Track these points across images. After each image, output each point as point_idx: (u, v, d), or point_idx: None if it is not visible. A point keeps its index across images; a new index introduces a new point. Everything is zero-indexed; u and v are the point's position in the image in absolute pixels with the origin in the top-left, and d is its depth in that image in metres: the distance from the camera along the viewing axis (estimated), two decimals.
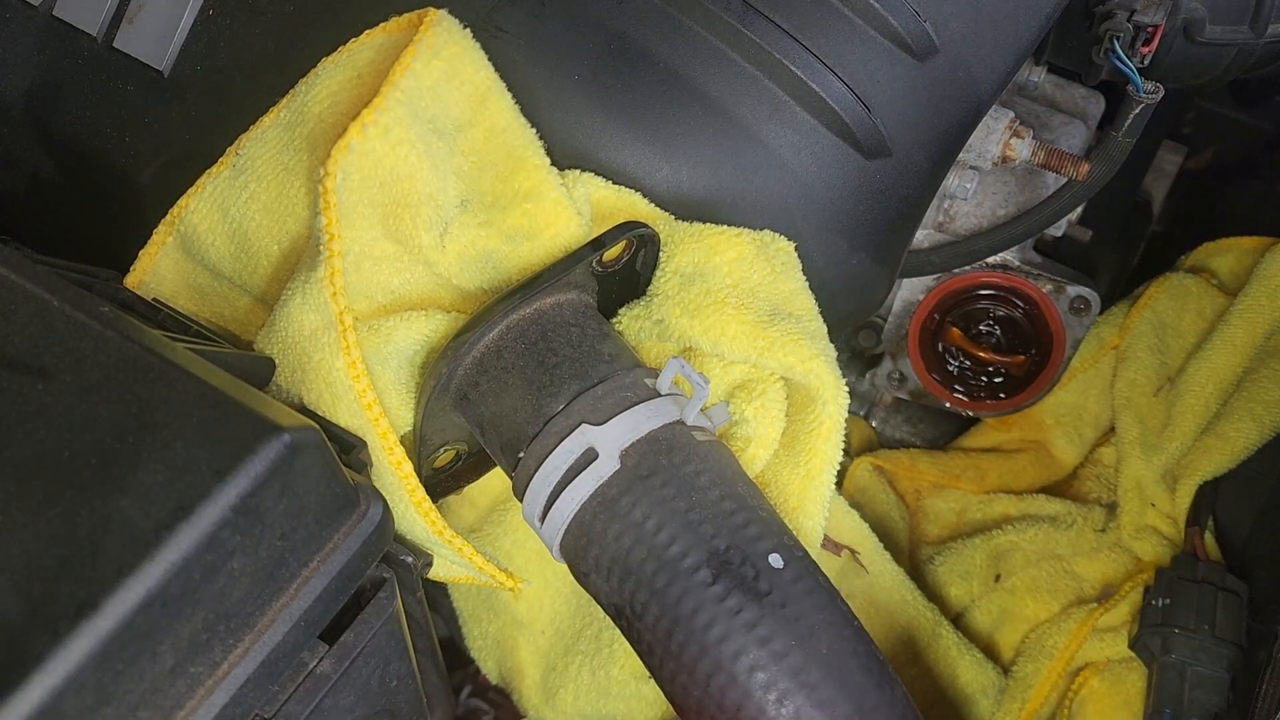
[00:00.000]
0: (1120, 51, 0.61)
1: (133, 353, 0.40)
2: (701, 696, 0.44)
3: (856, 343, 0.86)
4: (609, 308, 0.57)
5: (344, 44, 0.56)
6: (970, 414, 0.86)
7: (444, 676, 0.59)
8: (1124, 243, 0.94)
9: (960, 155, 0.65)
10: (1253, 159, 0.98)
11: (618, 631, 0.49)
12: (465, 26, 0.55)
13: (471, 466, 0.58)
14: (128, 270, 0.58)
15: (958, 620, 0.77)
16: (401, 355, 0.52)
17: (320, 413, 0.50)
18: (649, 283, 0.57)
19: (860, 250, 0.61)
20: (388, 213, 0.52)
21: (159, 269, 0.58)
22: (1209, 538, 0.72)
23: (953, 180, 0.70)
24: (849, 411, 0.55)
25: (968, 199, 0.71)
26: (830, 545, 0.76)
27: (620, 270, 0.55)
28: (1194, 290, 0.81)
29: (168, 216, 0.57)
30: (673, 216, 0.57)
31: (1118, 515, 0.76)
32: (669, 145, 0.56)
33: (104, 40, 0.63)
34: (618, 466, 0.47)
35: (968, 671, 0.73)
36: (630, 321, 0.56)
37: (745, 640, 0.44)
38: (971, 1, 0.60)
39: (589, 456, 0.48)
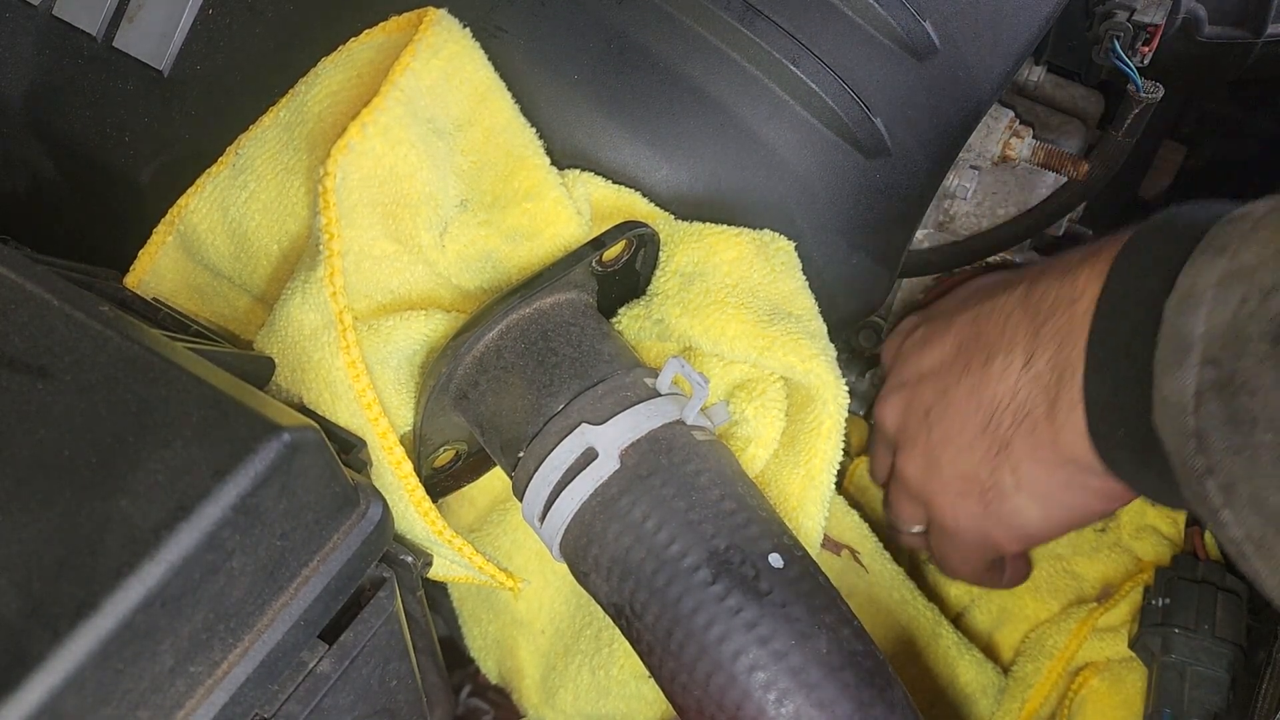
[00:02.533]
0: (1120, 51, 0.61)
1: (132, 352, 0.40)
2: (701, 696, 0.44)
3: (857, 343, 0.86)
4: (609, 307, 0.57)
5: (343, 44, 0.56)
6: None
7: (444, 676, 0.59)
8: None
9: (960, 155, 0.65)
10: (1253, 159, 0.98)
11: (617, 631, 0.49)
12: (465, 26, 0.55)
13: (471, 466, 0.58)
14: (127, 270, 0.58)
15: (957, 620, 0.77)
16: (401, 355, 0.52)
17: (320, 412, 0.50)
18: (649, 282, 0.57)
19: (860, 250, 0.61)
20: (387, 212, 0.52)
21: (159, 268, 0.58)
22: (1209, 537, 0.72)
23: (952, 180, 0.70)
24: (849, 411, 0.55)
25: (967, 199, 0.71)
26: (830, 545, 0.76)
27: (620, 270, 0.55)
28: None
29: (167, 216, 0.57)
30: (672, 216, 0.57)
31: (1118, 515, 0.76)
32: (669, 145, 0.57)
33: (104, 40, 0.63)
34: (617, 466, 0.47)
35: (967, 671, 0.73)
36: (630, 321, 0.56)
37: (745, 640, 0.44)
38: (971, 1, 0.60)
39: (589, 456, 0.48)
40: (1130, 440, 0.52)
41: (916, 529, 0.70)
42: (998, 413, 0.59)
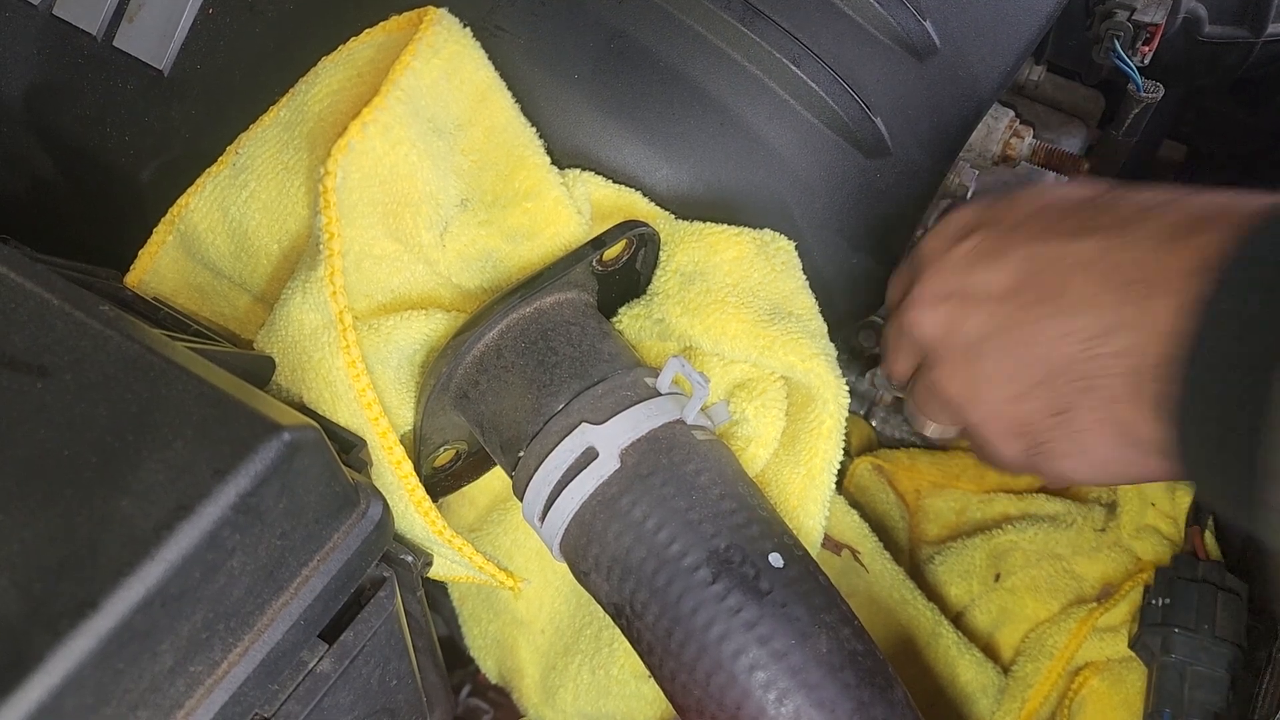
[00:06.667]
0: (1120, 50, 0.61)
1: (133, 352, 0.40)
2: (701, 695, 0.44)
3: (857, 342, 0.86)
4: (609, 307, 0.57)
5: (344, 43, 0.56)
6: None
7: (444, 676, 0.59)
8: None
9: (960, 154, 0.65)
10: (1253, 159, 0.98)
11: (618, 630, 0.49)
12: (465, 25, 0.55)
13: (471, 466, 0.58)
14: (128, 269, 0.58)
15: (958, 620, 0.77)
16: (401, 354, 0.52)
17: (320, 412, 0.50)
18: (649, 282, 0.57)
19: (860, 250, 0.61)
20: (388, 211, 0.52)
21: (159, 268, 0.58)
22: (1209, 537, 0.72)
23: (953, 179, 0.70)
24: (849, 411, 0.55)
25: (968, 198, 0.72)
26: (830, 545, 0.76)
27: (620, 269, 0.55)
28: None
29: (168, 215, 0.57)
30: (673, 215, 0.57)
31: (1118, 514, 0.76)
32: (669, 144, 0.56)
33: (104, 39, 0.63)
34: (618, 465, 0.47)
35: (967, 671, 0.73)
36: (630, 321, 0.56)
37: (745, 639, 0.44)
38: (972, 1, 0.60)
39: (589, 455, 0.48)
40: (1221, 459, 0.45)
41: (944, 434, 0.64)
42: (1060, 373, 0.53)
